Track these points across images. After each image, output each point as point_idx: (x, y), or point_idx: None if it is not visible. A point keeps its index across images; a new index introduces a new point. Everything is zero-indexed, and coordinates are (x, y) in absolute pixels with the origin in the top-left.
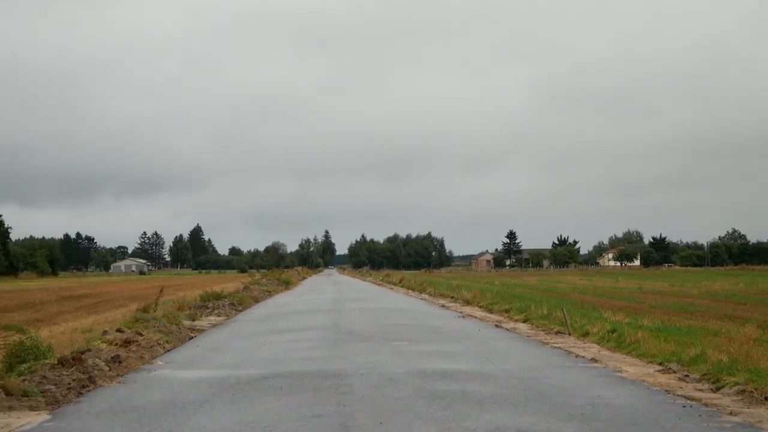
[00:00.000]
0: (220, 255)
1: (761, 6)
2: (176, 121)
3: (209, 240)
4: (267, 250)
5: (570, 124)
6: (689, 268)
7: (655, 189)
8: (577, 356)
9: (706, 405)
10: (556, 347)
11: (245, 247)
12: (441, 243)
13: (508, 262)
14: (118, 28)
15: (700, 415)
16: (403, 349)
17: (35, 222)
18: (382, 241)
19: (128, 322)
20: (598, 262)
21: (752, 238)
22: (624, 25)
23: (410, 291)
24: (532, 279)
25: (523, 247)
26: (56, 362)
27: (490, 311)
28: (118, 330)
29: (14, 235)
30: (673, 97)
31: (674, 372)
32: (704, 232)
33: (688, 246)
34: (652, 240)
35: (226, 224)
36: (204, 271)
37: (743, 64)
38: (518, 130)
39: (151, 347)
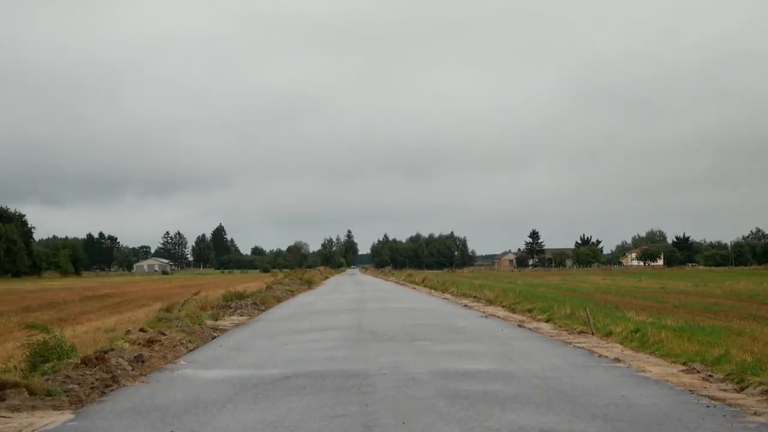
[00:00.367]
0: (242, 255)
1: None
2: (200, 121)
3: (232, 240)
4: (289, 249)
5: (593, 123)
6: (713, 267)
7: (679, 188)
8: (600, 356)
9: (730, 405)
10: (579, 347)
11: (268, 246)
12: (463, 243)
13: (530, 262)
14: (144, 29)
15: (724, 416)
16: (425, 348)
17: (58, 222)
18: (404, 241)
19: (151, 322)
20: (621, 262)
21: None
22: (647, 25)
23: (433, 291)
24: (554, 279)
25: (545, 247)
26: (79, 362)
27: (513, 311)
28: (141, 330)
29: (37, 235)
30: (697, 96)
31: (698, 372)
32: (728, 231)
33: (711, 245)
34: (675, 239)
35: (248, 224)
36: (226, 270)
37: (766, 63)
38: (542, 130)
39: (173, 347)
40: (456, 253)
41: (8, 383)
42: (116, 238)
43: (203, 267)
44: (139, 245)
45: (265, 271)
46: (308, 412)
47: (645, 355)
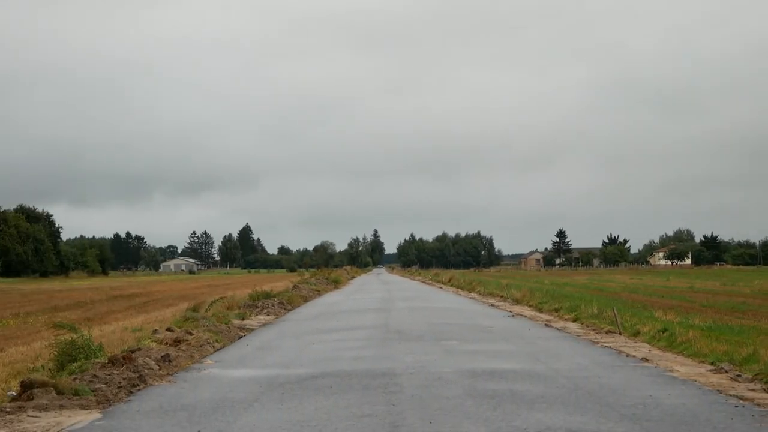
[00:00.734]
0: (269, 254)
1: None
2: (228, 121)
3: (258, 239)
4: (316, 249)
5: (622, 123)
6: (741, 267)
7: (707, 187)
8: (627, 356)
9: (758, 405)
10: (606, 347)
11: (294, 246)
12: (490, 242)
13: (557, 262)
14: (173, 29)
15: (752, 415)
16: (452, 348)
17: (86, 222)
18: (431, 241)
19: (178, 322)
20: (648, 261)
21: None
22: (678, 24)
23: (459, 290)
24: (581, 278)
25: (572, 246)
26: (107, 361)
27: (540, 310)
28: (168, 329)
29: (65, 235)
30: (727, 96)
31: (726, 372)
32: (756, 230)
33: (740, 245)
34: (703, 239)
35: (275, 224)
36: (253, 270)
37: None
38: (570, 128)
39: (200, 346)
40: (482, 252)
41: (36, 382)
42: (143, 238)
43: (230, 266)
44: (166, 245)
45: (292, 270)
46: (335, 412)
47: (673, 354)
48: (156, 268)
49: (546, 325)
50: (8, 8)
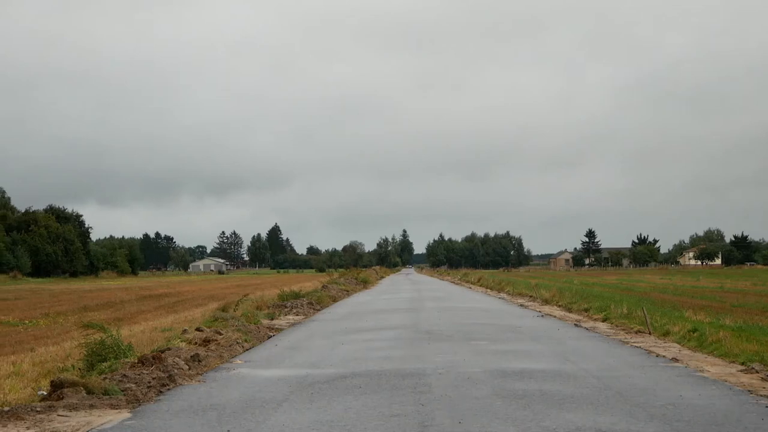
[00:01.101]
0: (297, 254)
1: None
2: (257, 121)
3: (287, 239)
4: (345, 249)
5: (651, 123)
6: None
7: (737, 187)
8: (657, 356)
9: None
10: (636, 347)
11: (323, 246)
12: (519, 242)
13: (586, 262)
14: (200, 29)
15: None
16: (481, 348)
17: (115, 222)
18: (460, 241)
19: (207, 321)
20: (678, 261)
21: None
22: (707, 23)
23: (488, 290)
24: (611, 278)
25: (602, 246)
26: (136, 361)
27: (569, 310)
28: (198, 329)
29: (95, 235)
30: (757, 96)
31: (757, 372)
32: None
33: None
34: (733, 238)
35: (304, 224)
36: (282, 270)
37: None
38: (599, 128)
39: (230, 346)
40: (512, 252)
41: (66, 382)
42: (172, 238)
43: (259, 267)
44: (195, 245)
45: (321, 270)
46: (364, 412)
47: (703, 354)
48: (185, 268)
49: (575, 325)
50: (37, 10)
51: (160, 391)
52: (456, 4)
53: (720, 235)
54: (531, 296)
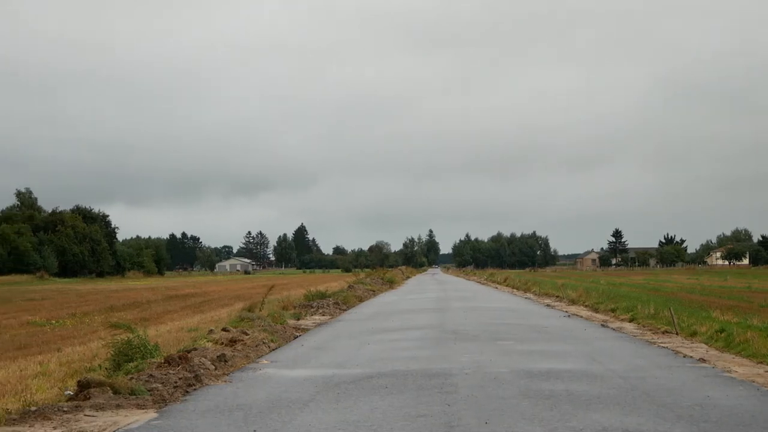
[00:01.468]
0: (323, 254)
1: None
2: (284, 121)
3: (313, 239)
4: (371, 249)
5: (678, 122)
6: None
7: (765, 186)
8: (684, 356)
9: None
10: (663, 347)
11: (349, 246)
12: (545, 242)
13: (613, 261)
14: (228, 29)
15: None
16: (508, 348)
17: (142, 222)
18: (486, 240)
19: (233, 321)
20: (705, 261)
21: None
22: (736, 22)
23: (515, 290)
24: (638, 278)
25: (629, 246)
26: (163, 361)
27: (596, 311)
28: (224, 329)
29: (121, 235)
30: None
31: None
32: None
33: None
34: (761, 238)
35: (330, 224)
36: (308, 270)
37: None
38: (625, 128)
39: (256, 346)
40: (538, 252)
41: (93, 382)
42: (199, 238)
43: (285, 267)
44: (222, 245)
45: (347, 270)
46: (390, 412)
47: (730, 355)
48: (211, 268)
49: (602, 325)
50: (65, 9)
51: (187, 391)
52: (483, 4)
53: (747, 235)
54: (557, 296)
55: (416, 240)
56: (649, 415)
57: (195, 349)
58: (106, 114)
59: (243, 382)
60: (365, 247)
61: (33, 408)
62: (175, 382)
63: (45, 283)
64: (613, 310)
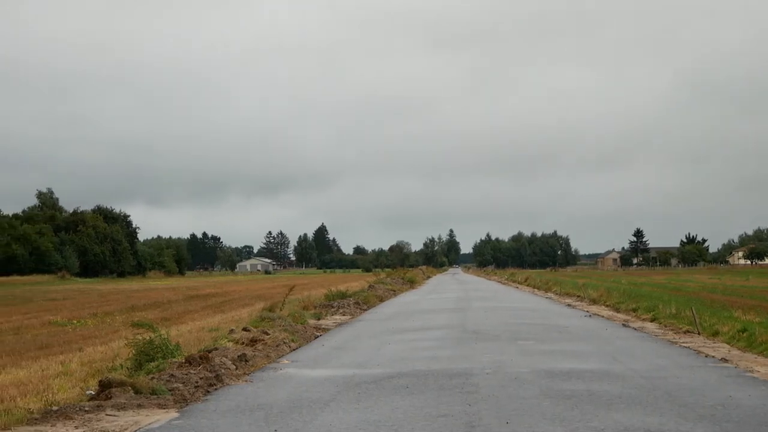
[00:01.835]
0: (344, 254)
1: None
2: (304, 121)
3: (334, 239)
4: (391, 249)
5: (700, 120)
6: None
7: None
8: (706, 356)
9: None
10: (684, 347)
11: (369, 246)
12: (566, 242)
13: (634, 261)
14: (248, 28)
15: None
16: (529, 348)
17: (162, 222)
18: (506, 240)
19: (254, 321)
20: (727, 261)
21: None
22: (759, 20)
23: (535, 290)
24: (659, 278)
25: (650, 246)
26: (184, 360)
27: (617, 310)
28: (245, 329)
29: (142, 235)
30: None
31: None
32: None
33: None
34: None
35: (350, 223)
36: (328, 270)
37: None
38: (646, 127)
39: (277, 346)
40: (559, 252)
41: (114, 382)
42: (219, 238)
43: (305, 266)
44: (242, 245)
45: (367, 270)
46: (411, 412)
47: (753, 355)
48: (232, 268)
49: (623, 325)
50: (86, 10)
51: (208, 391)
52: (504, 3)
53: None
54: (578, 296)
55: (437, 240)
56: (670, 415)
57: (216, 349)
58: (127, 115)
59: (264, 381)
60: (386, 247)
61: (55, 407)
62: (196, 382)
63: (66, 283)
64: (634, 310)
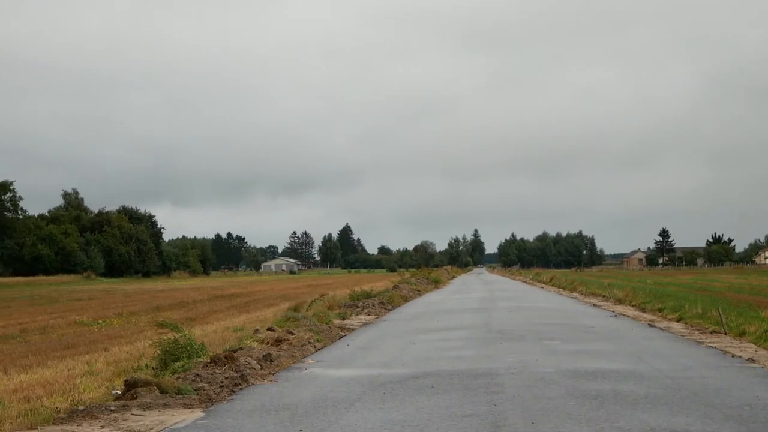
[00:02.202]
0: (368, 254)
1: None
2: (329, 121)
3: (358, 239)
4: (416, 249)
5: (726, 119)
6: None
7: None
8: (733, 356)
9: None
10: (711, 347)
11: (394, 246)
12: (591, 241)
13: (660, 261)
14: (274, 29)
15: None
16: (554, 348)
17: (187, 222)
18: (531, 240)
19: (279, 321)
20: (754, 260)
21: None
22: None
23: (561, 290)
24: (685, 278)
25: (676, 246)
26: (209, 360)
27: (643, 310)
28: (269, 329)
29: (167, 235)
30: None
31: None
32: None
33: None
34: None
35: (375, 223)
36: (353, 270)
37: None
38: (672, 127)
39: (301, 346)
40: (584, 252)
41: (140, 381)
42: (244, 239)
43: (330, 266)
44: (267, 245)
45: (392, 270)
46: (436, 412)
47: None
48: (257, 268)
49: (649, 325)
50: (112, 10)
51: (233, 391)
52: (529, 3)
53: None
54: (604, 296)
55: (461, 240)
56: (697, 415)
57: (241, 349)
58: (152, 115)
59: (289, 381)
60: (410, 247)
61: (81, 407)
62: (222, 382)
63: (92, 283)
64: (660, 310)
